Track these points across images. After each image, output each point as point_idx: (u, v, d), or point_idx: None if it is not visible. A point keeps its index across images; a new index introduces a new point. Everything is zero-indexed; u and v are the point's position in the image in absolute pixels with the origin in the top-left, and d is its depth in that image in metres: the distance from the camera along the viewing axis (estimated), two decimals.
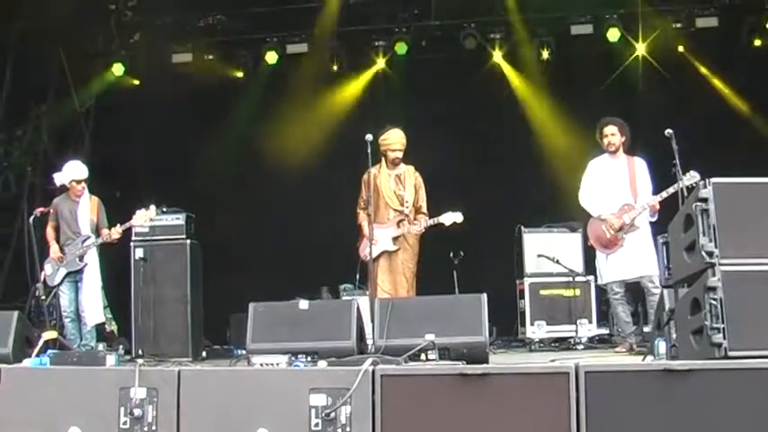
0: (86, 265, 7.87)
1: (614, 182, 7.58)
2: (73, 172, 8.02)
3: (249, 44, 11.45)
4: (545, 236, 9.04)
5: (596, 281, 8.05)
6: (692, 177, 6.77)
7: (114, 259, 8.73)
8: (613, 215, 7.45)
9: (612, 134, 7.59)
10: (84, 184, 8.02)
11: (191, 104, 11.32)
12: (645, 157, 7.74)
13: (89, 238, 7.90)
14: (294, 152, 10.96)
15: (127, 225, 7.90)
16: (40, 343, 6.24)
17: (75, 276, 7.92)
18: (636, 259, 7.33)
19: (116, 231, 7.83)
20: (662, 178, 7.29)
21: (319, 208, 10.60)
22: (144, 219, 7.87)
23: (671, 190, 7.00)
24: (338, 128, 11.08)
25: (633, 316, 7.73)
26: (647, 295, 7.39)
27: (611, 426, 4.18)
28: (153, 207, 7.90)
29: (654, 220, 7.41)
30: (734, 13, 10.35)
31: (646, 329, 7.83)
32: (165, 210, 8.48)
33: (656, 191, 7.34)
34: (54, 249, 7.94)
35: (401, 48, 11.00)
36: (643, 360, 5.52)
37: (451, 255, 8.95)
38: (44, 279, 7.84)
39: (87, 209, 8.00)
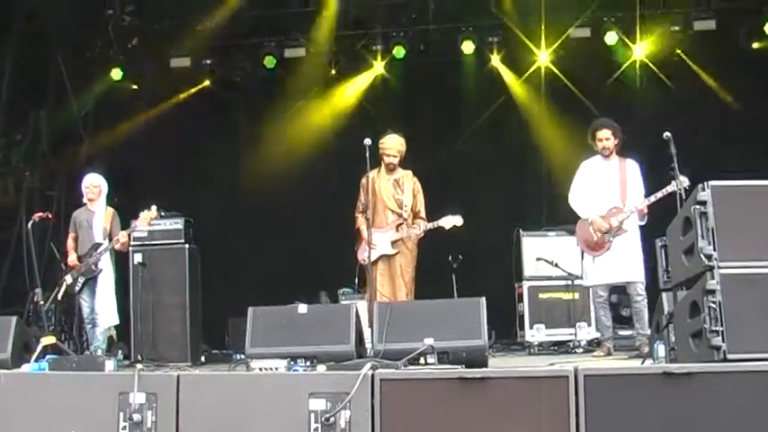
0: (101, 271, 7.95)
1: (605, 184, 7.49)
2: (85, 179, 8.28)
3: (247, 49, 11.45)
4: (543, 239, 9.03)
5: (582, 281, 7.96)
6: (681, 183, 6.51)
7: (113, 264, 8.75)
8: (601, 218, 7.39)
9: (607, 138, 7.45)
10: (92, 190, 8.16)
11: (189, 109, 11.34)
12: (642, 160, 7.64)
13: (101, 245, 7.97)
14: (293, 156, 10.96)
15: (132, 228, 8.03)
16: (39, 348, 6.25)
17: (92, 283, 7.99)
18: (622, 264, 7.27)
19: (123, 235, 7.94)
20: (659, 181, 7.20)
21: (318, 212, 10.59)
22: (147, 219, 7.97)
23: (659, 195, 6.97)
24: (336, 132, 11.09)
25: (626, 319, 7.73)
26: (632, 302, 7.41)
27: (611, 429, 4.17)
28: (154, 207, 7.95)
29: (642, 223, 7.33)
30: (732, 16, 10.35)
31: (630, 332, 7.94)
32: (163, 214, 8.49)
33: (649, 194, 7.23)
34: (71, 258, 8.08)
35: (399, 52, 10.99)
36: (642, 363, 5.52)
37: (450, 258, 8.96)
38: (65, 288, 7.93)
39: (102, 218, 8.11)
